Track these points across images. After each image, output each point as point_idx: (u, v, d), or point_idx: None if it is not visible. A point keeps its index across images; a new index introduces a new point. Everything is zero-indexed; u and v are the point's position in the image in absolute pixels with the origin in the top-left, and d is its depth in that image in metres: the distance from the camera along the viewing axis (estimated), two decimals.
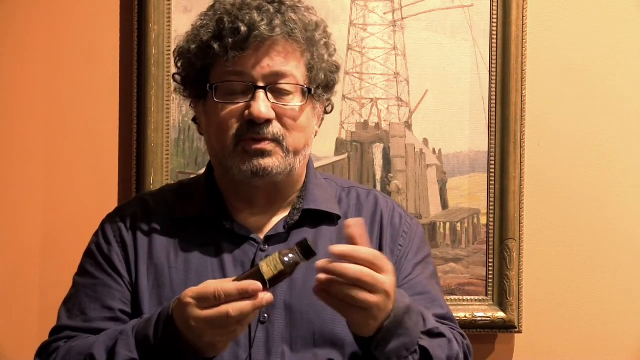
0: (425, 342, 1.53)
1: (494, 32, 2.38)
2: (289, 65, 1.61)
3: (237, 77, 1.61)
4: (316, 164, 1.79)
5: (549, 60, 2.41)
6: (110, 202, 2.36)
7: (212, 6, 1.66)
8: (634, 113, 2.42)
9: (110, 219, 1.73)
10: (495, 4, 2.37)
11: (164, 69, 2.34)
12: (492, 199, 2.39)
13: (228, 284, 1.40)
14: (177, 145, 2.38)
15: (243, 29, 1.58)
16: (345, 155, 2.40)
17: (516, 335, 2.41)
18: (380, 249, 1.68)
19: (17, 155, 2.39)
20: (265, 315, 1.59)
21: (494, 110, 2.38)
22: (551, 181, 2.42)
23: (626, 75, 2.42)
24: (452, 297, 2.36)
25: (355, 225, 1.44)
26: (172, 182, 2.32)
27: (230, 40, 1.59)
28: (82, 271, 1.70)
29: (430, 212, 2.40)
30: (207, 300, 1.40)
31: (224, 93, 1.62)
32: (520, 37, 2.36)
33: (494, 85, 2.38)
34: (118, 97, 2.39)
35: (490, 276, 2.39)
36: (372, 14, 2.40)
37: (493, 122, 2.38)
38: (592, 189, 2.42)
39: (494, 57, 2.38)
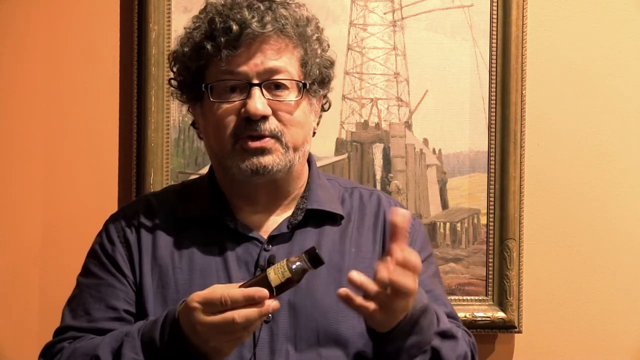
0: (437, 342, 1.55)
1: (494, 32, 2.38)
2: (282, 61, 1.62)
3: (232, 76, 1.61)
4: (317, 164, 1.79)
5: (549, 60, 2.41)
6: (110, 202, 2.37)
7: (204, 8, 1.67)
8: (634, 113, 2.42)
9: (114, 219, 1.73)
10: (495, 4, 2.37)
11: (164, 69, 2.34)
12: (492, 199, 2.39)
13: (235, 290, 1.41)
14: (177, 145, 2.38)
15: (235, 27, 1.59)
16: (345, 155, 2.40)
17: (516, 335, 2.41)
18: (383, 249, 1.68)
19: (17, 155, 2.39)
20: (270, 314, 1.59)
21: (494, 110, 2.38)
22: (551, 181, 2.42)
23: (626, 75, 2.41)
24: (452, 297, 2.36)
25: (403, 217, 1.44)
26: (173, 183, 2.33)
27: (222, 39, 1.59)
28: (85, 271, 1.70)
29: (430, 212, 2.40)
30: (214, 306, 1.41)
31: (219, 92, 1.63)
32: (520, 37, 2.36)
33: (494, 85, 2.38)
34: (118, 97, 2.39)
35: (490, 276, 2.39)
36: (372, 14, 2.40)
37: (493, 122, 2.38)
38: (592, 189, 2.42)
39: (494, 57, 2.38)
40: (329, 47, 1.71)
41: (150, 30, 2.34)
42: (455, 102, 2.40)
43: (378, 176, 2.40)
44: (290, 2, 1.67)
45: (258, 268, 1.62)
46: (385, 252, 1.45)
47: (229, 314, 1.39)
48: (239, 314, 1.39)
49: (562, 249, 2.42)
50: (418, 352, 1.51)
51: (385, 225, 1.72)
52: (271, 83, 1.61)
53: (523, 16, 2.36)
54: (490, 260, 2.39)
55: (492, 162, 2.38)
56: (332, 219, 1.70)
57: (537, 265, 2.42)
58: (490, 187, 2.39)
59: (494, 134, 2.38)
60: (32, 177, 2.38)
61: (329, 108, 1.77)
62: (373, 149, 2.40)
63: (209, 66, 1.63)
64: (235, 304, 1.39)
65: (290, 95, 1.63)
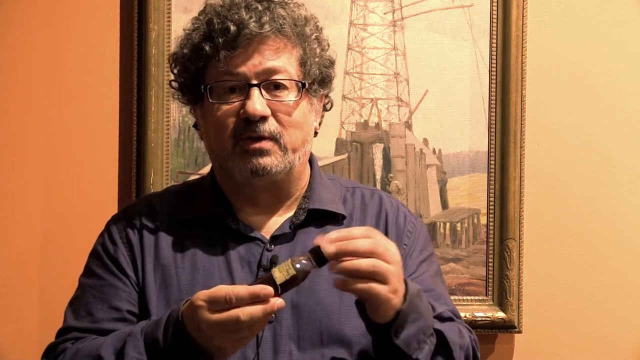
0: (438, 325, 1.55)
1: (494, 32, 2.38)
2: (281, 61, 1.62)
3: (230, 77, 1.61)
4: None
5: (549, 60, 2.41)
6: (110, 202, 2.37)
7: (203, 10, 1.67)
8: (634, 113, 2.42)
9: (116, 219, 1.73)
10: (495, 4, 2.37)
11: (164, 69, 2.34)
12: (492, 199, 2.39)
13: (240, 288, 1.40)
14: (177, 145, 2.38)
15: (232, 28, 1.59)
16: (345, 155, 2.40)
17: (516, 335, 2.41)
18: None
19: (17, 155, 2.39)
20: (273, 314, 1.59)
21: (494, 110, 2.38)
22: (551, 181, 2.42)
23: (626, 75, 2.42)
24: (452, 297, 2.33)
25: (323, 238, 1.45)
26: (173, 183, 2.33)
27: (220, 40, 1.60)
28: (88, 272, 1.70)
29: (430, 212, 2.40)
30: (219, 304, 1.40)
31: (218, 93, 1.63)
32: (520, 37, 2.36)
33: (494, 85, 2.38)
34: (118, 97, 2.39)
35: (490, 276, 2.39)
36: (372, 14, 2.40)
37: (493, 122, 2.38)
38: (592, 189, 2.42)
39: (494, 57, 2.38)
40: (328, 46, 1.71)
41: (150, 30, 2.34)
42: (455, 102, 2.40)
43: (378, 176, 2.40)
44: (289, 1, 1.67)
45: (261, 268, 1.62)
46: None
47: (233, 312, 1.39)
48: (244, 312, 1.39)
49: (562, 249, 2.42)
50: (425, 337, 1.51)
51: (387, 225, 1.72)
52: (270, 83, 1.61)
53: (523, 16, 2.36)
54: (490, 260, 2.39)
55: (492, 162, 2.38)
56: (334, 218, 1.70)
57: (537, 265, 2.42)
58: (490, 187, 2.39)
59: (494, 134, 2.38)
60: (32, 177, 2.38)
61: (330, 107, 1.77)
62: (373, 149, 2.40)
63: (208, 67, 1.63)
64: (240, 302, 1.39)
65: (289, 96, 1.63)
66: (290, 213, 1.69)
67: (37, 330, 2.37)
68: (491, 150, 2.39)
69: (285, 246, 1.65)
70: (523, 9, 2.36)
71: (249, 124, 1.60)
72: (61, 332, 1.65)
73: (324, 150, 2.37)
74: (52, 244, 2.38)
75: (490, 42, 2.39)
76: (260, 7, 1.62)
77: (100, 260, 1.68)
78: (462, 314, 2.31)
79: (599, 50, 2.41)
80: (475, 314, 2.37)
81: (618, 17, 2.41)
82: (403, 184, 2.41)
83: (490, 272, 2.39)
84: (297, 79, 1.63)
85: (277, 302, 1.40)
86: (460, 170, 2.41)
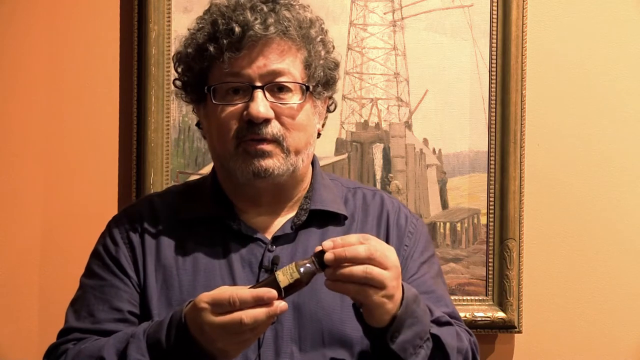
0: (435, 330, 1.55)
1: (494, 32, 2.38)
2: (285, 63, 1.61)
3: (234, 78, 1.61)
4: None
5: (549, 60, 2.41)
6: (110, 202, 2.37)
7: (208, 9, 1.67)
8: (634, 113, 2.42)
9: (117, 220, 1.73)
10: (495, 4, 2.37)
11: (164, 69, 2.34)
12: (492, 199, 2.39)
13: (244, 291, 1.40)
14: (177, 145, 2.38)
15: (237, 29, 1.58)
16: (345, 155, 2.40)
17: (516, 335, 2.41)
18: None
19: (17, 155, 2.39)
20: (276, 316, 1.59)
21: (494, 110, 2.38)
22: (551, 181, 2.42)
23: (626, 75, 2.42)
24: (452, 297, 2.32)
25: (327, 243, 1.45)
26: (174, 183, 2.33)
27: (225, 41, 1.59)
28: (89, 272, 1.69)
29: (430, 212, 2.40)
30: (222, 306, 1.40)
31: (222, 94, 1.62)
32: (520, 37, 2.36)
33: (494, 85, 2.38)
34: (118, 97, 2.39)
35: (490, 276, 2.39)
36: (372, 14, 2.40)
37: (493, 122, 2.38)
38: (592, 189, 2.42)
39: (494, 57, 2.38)
40: (333, 48, 1.70)
41: (150, 30, 2.34)
42: (455, 102, 2.40)
43: (378, 176, 2.40)
44: (294, 3, 1.66)
45: (262, 268, 1.62)
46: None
47: (236, 314, 1.39)
48: (247, 315, 1.39)
49: (562, 249, 2.42)
50: (421, 342, 1.51)
51: (388, 225, 1.72)
52: (274, 85, 1.61)
53: (523, 16, 2.36)
54: (490, 260, 2.39)
55: (492, 162, 2.38)
56: (336, 219, 1.70)
57: (537, 265, 2.42)
58: (490, 187, 2.39)
59: (494, 134, 2.38)
60: (32, 177, 2.38)
61: (334, 109, 1.76)
62: (373, 149, 2.40)
63: (212, 68, 1.63)
64: (244, 305, 1.39)
65: (293, 98, 1.62)
66: (292, 214, 1.69)
67: (37, 330, 2.37)
68: (491, 150, 2.39)
69: (287, 247, 1.64)
70: (523, 9, 2.36)
71: (252, 126, 1.59)
72: (62, 333, 1.65)
73: (324, 150, 2.37)
74: (52, 244, 2.38)
75: (490, 42, 2.39)
76: (265, 9, 1.61)
77: (102, 260, 1.67)
78: (462, 314, 2.32)
79: (599, 50, 2.41)
80: (475, 314, 2.37)
81: (618, 17, 2.41)
82: (403, 184, 2.41)
83: (490, 272, 2.39)
84: (301, 81, 1.63)
85: (280, 305, 1.40)
86: (460, 170, 2.41)
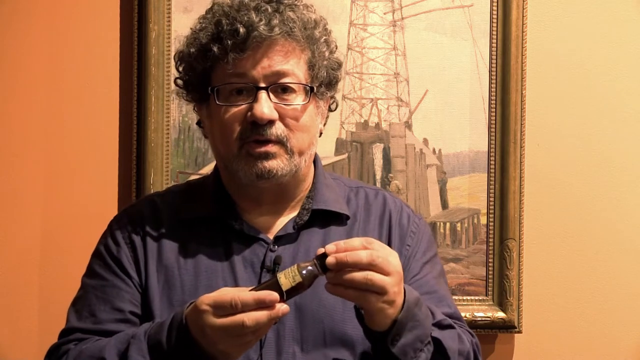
0: (436, 333, 1.55)
1: (494, 32, 2.38)
2: (290, 64, 1.60)
3: (238, 79, 1.60)
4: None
5: (549, 60, 2.41)
6: (110, 202, 2.37)
7: (211, 8, 1.66)
8: (634, 113, 2.42)
9: (119, 220, 1.72)
10: (495, 4, 2.37)
11: (164, 69, 2.34)
12: (492, 199, 2.39)
13: (245, 293, 1.40)
14: (177, 145, 2.38)
15: (242, 30, 1.57)
16: (345, 155, 2.40)
17: (516, 335, 2.41)
18: None
19: (17, 155, 2.39)
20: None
21: (494, 110, 2.38)
22: (551, 181, 2.42)
23: (626, 75, 2.42)
24: (452, 297, 2.35)
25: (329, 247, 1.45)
26: (174, 183, 2.33)
27: (229, 42, 1.58)
28: (90, 272, 1.69)
29: (430, 212, 2.40)
30: (224, 309, 1.40)
31: (225, 95, 1.62)
32: (520, 37, 2.36)
33: (494, 85, 2.38)
34: (118, 97, 2.39)
35: (490, 276, 2.39)
36: (372, 14, 2.40)
37: (493, 122, 2.38)
38: (592, 189, 2.42)
39: (494, 57, 2.38)
40: (336, 48, 1.70)
41: (150, 30, 2.34)
42: (455, 102, 2.40)
43: (378, 176, 2.40)
44: (298, 3, 1.65)
45: (264, 268, 1.62)
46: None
47: (238, 317, 1.39)
48: (249, 317, 1.39)
49: (562, 249, 2.42)
50: (422, 346, 1.51)
51: (390, 225, 1.72)
52: (278, 86, 1.60)
53: (523, 16, 2.36)
54: (490, 260, 2.39)
55: (492, 162, 2.38)
56: (338, 218, 1.69)
57: (537, 265, 2.42)
58: (490, 187, 2.39)
59: (494, 134, 2.38)
60: (32, 177, 2.38)
61: (336, 108, 1.76)
62: (373, 149, 2.40)
63: (215, 68, 1.62)
64: (246, 307, 1.39)
65: (297, 99, 1.62)
66: (294, 213, 1.68)
67: (37, 330, 2.37)
68: (491, 150, 2.39)
69: (289, 247, 1.64)
70: (523, 9, 2.36)
71: (255, 128, 1.59)
72: (64, 333, 1.65)
73: (324, 150, 2.37)
74: (52, 244, 2.38)
75: (490, 42, 2.38)
76: (269, 9, 1.60)
77: (103, 260, 1.67)
78: (462, 314, 2.32)
79: (599, 50, 2.41)
80: (475, 314, 2.37)
81: (618, 17, 2.41)
82: (403, 184, 2.41)
83: (490, 272, 2.39)
84: (305, 82, 1.62)
85: (282, 307, 1.40)
86: (460, 170, 2.41)
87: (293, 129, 1.61)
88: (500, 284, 2.38)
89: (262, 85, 1.59)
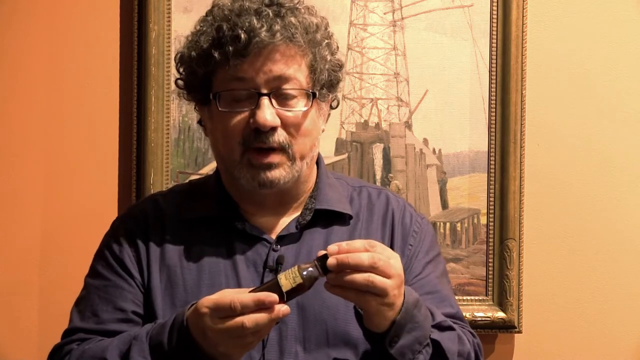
0: (436, 335, 1.55)
1: (494, 32, 2.38)
2: (292, 69, 1.59)
3: (240, 84, 1.59)
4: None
5: (549, 60, 2.41)
6: (110, 202, 2.37)
7: (211, 11, 1.64)
8: (634, 113, 2.42)
9: (122, 220, 1.73)
10: (495, 4, 2.37)
11: (164, 69, 2.34)
12: (492, 199, 2.39)
13: (244, 295, 1.40)
14: (177, 145, 2.38)
15: (243, 36, 1.56)
16: (345, 155, 2.40)
17: (516, 335, 2.41)
18: (391, 248, 1.67)
19: (17, 155, 2.39)
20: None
21: (494, 110, 2.38)
22: (551, 181, 2.42)
23: (626, 75, 2.41)
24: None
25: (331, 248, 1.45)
26: (173, 183, 2.33)
27: (230, 48, 1.57)
28: (93, 272, 1.69)
29: (430, 212, 2.40)
30: (223, 311, 1.40)
31: (227, 101, 1.61)
32: (520, 37, 2.36)
33: (494, 85, 2.38)
34: (118, 97, 2.39)
35: (490, 276, 2.39)
36: (372, 14, 2.40)
37: (493, 122, 2.38)
38: (592, 189, 2.42)
39: (494, 57, 2.38)
40: (337, 49, 1.69)
41: (150, 30, 2.34)
42: (455, 102, 2.40)
43: (378, 176, 2.40)
44: (299, 6, 1.63)
45: (267, 268, 1.62)
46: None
47: (238, 319, 1.39)
48: (249, 319, 1.39)
49: (562, 249, 2.42)
50: (420, 347, 1.51)
51: (393, 224, 1.72)
52: (280, 92, 1.59)
53: (523, 16, 2.36)
54: (490, 260, 2.39)
55: (492, 162, 2.38)
56: (341, 218, 1.69)
57: (537, 265, 2.42)
58: (490, 187, 2.39)
59: (494, 134, 2.38)
60: (32, 177, 2.38)
61: (337, 106, 1.75)
62: (373, 149, 2.40)
63: (217, 73, 1.61)
64: (245, 309, 1.39)
65: (299, 104, 1.61)
66: (297, 213, 1.68)
67: (37, 330, 2.37)
68: (491, 150, 2.39)
69: (292, 246, 1.64)
70: (523, 9, 2.36)
71: (258, 134, 1.58)
72: (67, 333, 1.65)
73: (324, 150, 2.37)
74: (52, 244, 2.38)
75: (490, 42, 2.38)
76: (271, 14, 1.58)
77: (106, 260, 1.67)
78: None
79: (599, 50, 2.41)
80: (475, 314, 2.37)
81: (618, 17, 2.41)
82: (403, 184, 2.41)
83: (490, 272, 2.39)
84: (306, 87, 1.61)
85: (282, 308, 1.40)
86: (460, 170, 2.41)
87: (295, 134, 1.60)
88: (500, 284, 2.38)
89: (264, 91, 1.58)
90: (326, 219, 1.68)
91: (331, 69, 1.66)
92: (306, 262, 1.45)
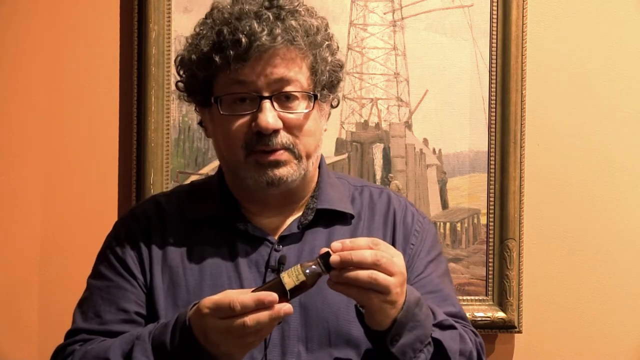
0: (437, 334, 1.55)
1: (494, 32, 2.38)
2: (293, 71, 1.59)
3: (241, 87, 1.59)
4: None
5: (549, 60, 2.41)
6: (110, 202, 2.37)
7: (210, 14, 1.64)
8: (634, 113, 2.42)
9: (124, 220, 1.73)
10: (495, 4, 2.37)
11: (164, 69, 2.34)
12: (492, 199, 2.39)
13: (245, 296, 1.40)
14: (177, 145, 2.38)
15: (244, 40, 1.56)
16: (345, 155, 2.40)
17: (516, 335, 2.41)
18: (393, 247, 1.67)
19: (17, 155, 2.39)
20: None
21: (494, 110, 2.38)
22: (551, 181, 2.42)
23: (626, 75, 2.42)
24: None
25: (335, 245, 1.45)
26: (173, 182, 2.33)
27: (231, 52, 1.56)
28: (96, 273, 1.69)
29: (430, 212, 2.40)
30: (224, 311, 1.40)
31: (228, 103, 1.60)
32: (520, 37, 2.36)
33: (494, 85, 2.38)
34: (118, 97, 2.39)
35: (490, 276, 2.39)
36: (372, 14, 2.40)
37: (493, 122, 2.38)
38: (592, 189, 2.42)
39: (494, 57, 2.38)
40: (338, 49, 1.69)
41: (150, 30, 2.34)
42: (455, 102, 2.40)
43: (378, 176, 2.40)
44: (300, 8, 1.62)
45: (269, 268, 1.62)
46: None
47: (239, 319, 1.39)
48: (250, 319, 1.39)
49: (562, 249, 2.42)
50: (421, 346, 1.51)
51: (394, 224, 1.72)
52: (281, 95, 1.59)
53: (523, 16, 2.36)
54: (490, 260, 2.39)
55: (492, 162, 2.38)
56: (343, 218, 1.69)
57: (537, 265, 2.42)
58: (490, 187, 2.39)
59: (494, 134, 2.38)
60: (32, 177, 2.38)
61: (337, 105, 1.75)
62: (373, 149, 2.40)
63: (217, 76, 1.61)
64: (246, 309, 1.39)
65: (300, 106, 1.61)
66: (299, 213, 1.68)
67: (37, 330, 2.37)
68: (491, 150, 2.39)
69: (294, 246, 1.64)
70: (523, 9, 2.36)
71: (261, 137, 1.58)
72: (70, 334, 1.65)
73: (324, 150, 2.33)
74: (52, 244, 2.38)
75: (490, 42, 2.39)
76: (271, 17, 1.58)
77: (108, 261, 1.67)
78: None
79: (599, 50, 2.41)
80: (475, 314, 2.37)
81: (618, 17, 2.41)
82: (403, 184, 2.41)
83: (490, 272, 2.39)
84: (308, 88, 1.61)
85: (284, 307, 1.40)
86: (460, 170, 2.41)
87: (298, 135, 1.60)
88: (500, 284, 2.38)
89: (266, 94, 1.58)
90: (328, 218, 1.68)
91: (332, 69, 1.66)
92: (309, 260, 1.45)
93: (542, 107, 2.41)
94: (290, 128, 1.59)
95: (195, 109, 1.72)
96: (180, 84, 1.69)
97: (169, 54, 2.33)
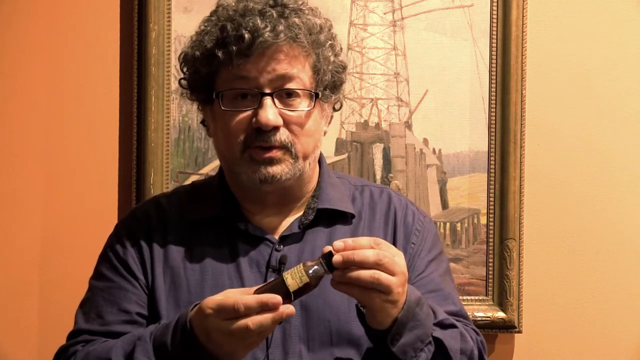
0: (438, 333, 1.55)
1: (494, 32, 2.38)
2: (295, 69, 1.60)
3: (243, 83, 1.59)
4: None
5: (549, 60, 2.41)
6: (110, 202, 2.37)
7: (215, 11, 1.65)
8: (634, 113, 2.42)
9: (125, 221, 1.73)
10: (495, 4, 2.37)
11: (164, 69, 2.34)
12: (492, 199, 2.39)
13: (248, 297, 1.40)
14: (177, 145, 2.38)
15: (247, 36, 1.56)
16: (345, 155, 2.40)
17: (516, 335, 2.41)
18: (394, 246, 1.67)
19: (17, 155, 2.39)
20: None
21: (494, 110, 2.38)
22: (551, 181, 2.42)
23: (626, 75, 2.42)
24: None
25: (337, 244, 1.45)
26: (173, 183, 2.33)
27: (234, 48, 1.57)
28: (97, 274, 1.69)
29: (430, 212, 2.40)
30: (227, 312, 1.40)
31: (230, 99, 1.61)
32: (520, 37, 2.36)
33: (494, 85, 2.38)
34: (118, 97, 2.39)
35: (490, 276, 2.39)
36: (372, 14, 2.40)
37: (493, 122, 2.38)
38: (592, 189, 2.42)
39: (494, 57, 2.38)
40: (341, 50, 1.69)
41: (150, 30, 2.34)
42: (455, 102, 2.40)
43: (378, 176, 2.40)
44: (303, 7, 1.63)
45: (269, 268, 1.62)
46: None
47: (242, 321, 1.39)
48: (253, 321, 1.39)
49: (562, 249, 2.42)
50: (422, 345, 1.52)
51: (395, 223, 1.72)
52: (283, 92, 1.59)
53: (523, 16, 2.36)
54: (490, 260, 2.39)
55: (492, 162, 2.38)
56: (343, 218, 1.69)
57: (537, 265, 2.42)
58: (490, 187, 2.39)
59: (494, 134, 2.38)
60: (32, 177, 2.38)
61: (340, 108, 1.76)
62: (373, 149, 2.41)
63: (220, 72, 1.61)
64: (249, 311, 1.39)
65: (301, 104, 1.61)
66: (300, 213, 1.68)
67: (37, 330, 2.37)
68: (491, 150, 2.39)
69: (294, 246, 1.64)
70: (523, 9, 2.36)
71: (260, 134, 1.58)
72: (72, 335, 1.65)
73: (324, 150, 2.33)
74: (52, 244, 2.38)
75: (490, 42, 2.39)
76: (275, 14, 1.58)
77: (110, 262, 1.67)
78: None
79: (599, 50, 2.41)
80: (475, 314, 2.37)
81: (618, 17, 2.41)
82: (403, 184, 2.41)
83: (490, 272, 2.39)
84: (310, 87, 1.61)
85: (287, 310, 1.40)
86: (460, 170, 2.41)
87: (298, 134, 1.60)
88: (500, 284, 2.38)
89: (267, 90, 1.58)
90: (328, 218, 1.68)
91: (334, 70, 1.66)
92: (311, 260, 1.45)
93: (542, 107, 2.41)
94: (290, 126, 1.60)
95: (198, 107, 1.72)
96: (183, 82, 1.69)
97: (169, 54, 2.34)
